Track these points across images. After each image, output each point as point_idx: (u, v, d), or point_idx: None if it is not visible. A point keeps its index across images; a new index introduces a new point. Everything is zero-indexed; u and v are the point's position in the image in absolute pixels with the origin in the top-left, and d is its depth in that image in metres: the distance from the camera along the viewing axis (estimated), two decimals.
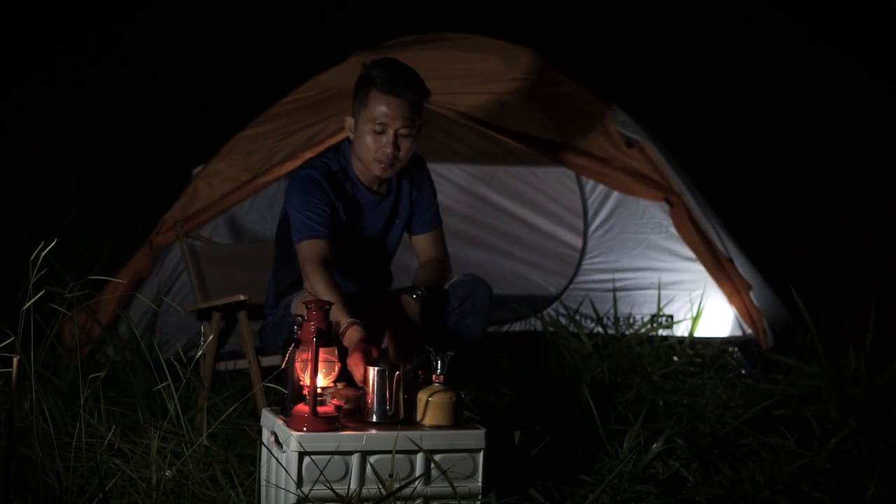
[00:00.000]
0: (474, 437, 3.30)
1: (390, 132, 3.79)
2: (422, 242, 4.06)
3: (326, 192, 3.82)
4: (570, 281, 5.47)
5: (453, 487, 3.25)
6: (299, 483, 3.18)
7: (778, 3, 10.74)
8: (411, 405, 3.36)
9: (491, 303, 3.92)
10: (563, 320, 5.33)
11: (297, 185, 3.85)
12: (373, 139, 3.80)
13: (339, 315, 3.55)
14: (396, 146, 3.80)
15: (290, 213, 3.84)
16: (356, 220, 3.93)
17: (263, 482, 3.34)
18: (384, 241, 4.03)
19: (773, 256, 6.31)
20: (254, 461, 3.63)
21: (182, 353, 3.82)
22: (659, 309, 5.25)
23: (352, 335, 3.50)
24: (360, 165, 3.90)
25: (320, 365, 3.25)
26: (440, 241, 4.07)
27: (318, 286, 3.64)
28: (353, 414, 3.35)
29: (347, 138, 3.95)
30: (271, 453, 3.27)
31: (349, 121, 3.88)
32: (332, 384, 3.31)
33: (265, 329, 4.07)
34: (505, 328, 5.35)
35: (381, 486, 3.22)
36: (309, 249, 3.75)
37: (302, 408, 3.23)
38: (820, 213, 8.04)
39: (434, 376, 3.36)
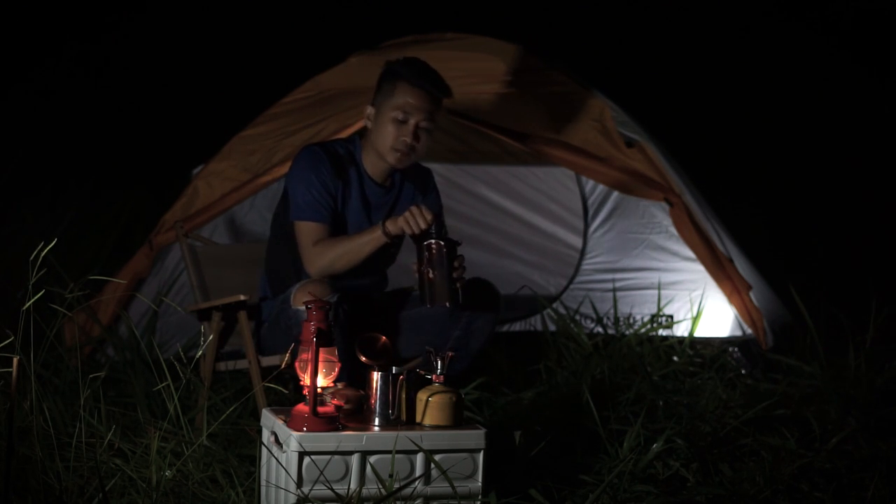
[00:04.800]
0: (474, 437, 3.30)
1: (412, 122, 3.90)
2: None
3: (330, 170, 3.92)
4: (570, 281, 5.47)
5: (453, 487, 3.25)
6: (299, 483, 3.18)
7: (779, 4, 10.74)
8: (411, 405, 3.36)
9: (500, 306, 4.01)
10: (563, 320, 5.32)
11: (303, 158, 3.95)
12: (395, 127, 3.89)
13: (364, 234, 3.81)
14: (416, 137, 3.89)
15: (292, 186, 3.93)
16: (357, 209, 3.96)
17: (263, 482, 3.34)
18: None
19: (773, 256, 6.31)
20: (254, 461, 3.63)
21: (182, 353, 3.82)
22: (659, 309, 5.24)
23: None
24: (371, 157, 3.97)
25: (320, 365, 3.25)
26: None
27: (326, 255, 3.82)
28: (354, 414, 3.35)
29: (359, 133, 4.00)
30: (271, 453, 3.27)
31: (369, 110, 3.98)
32: (332, 384, 3.31)
33: (262, 327, 4.07)
34: (505, 328, 5.35)
35: (381, 486, 3.22)
36: (310, 232, 3.87)
37: (302, 408, 3.23)
38: (820, 213, 8.04)
39: (434, 376, 3.36)
